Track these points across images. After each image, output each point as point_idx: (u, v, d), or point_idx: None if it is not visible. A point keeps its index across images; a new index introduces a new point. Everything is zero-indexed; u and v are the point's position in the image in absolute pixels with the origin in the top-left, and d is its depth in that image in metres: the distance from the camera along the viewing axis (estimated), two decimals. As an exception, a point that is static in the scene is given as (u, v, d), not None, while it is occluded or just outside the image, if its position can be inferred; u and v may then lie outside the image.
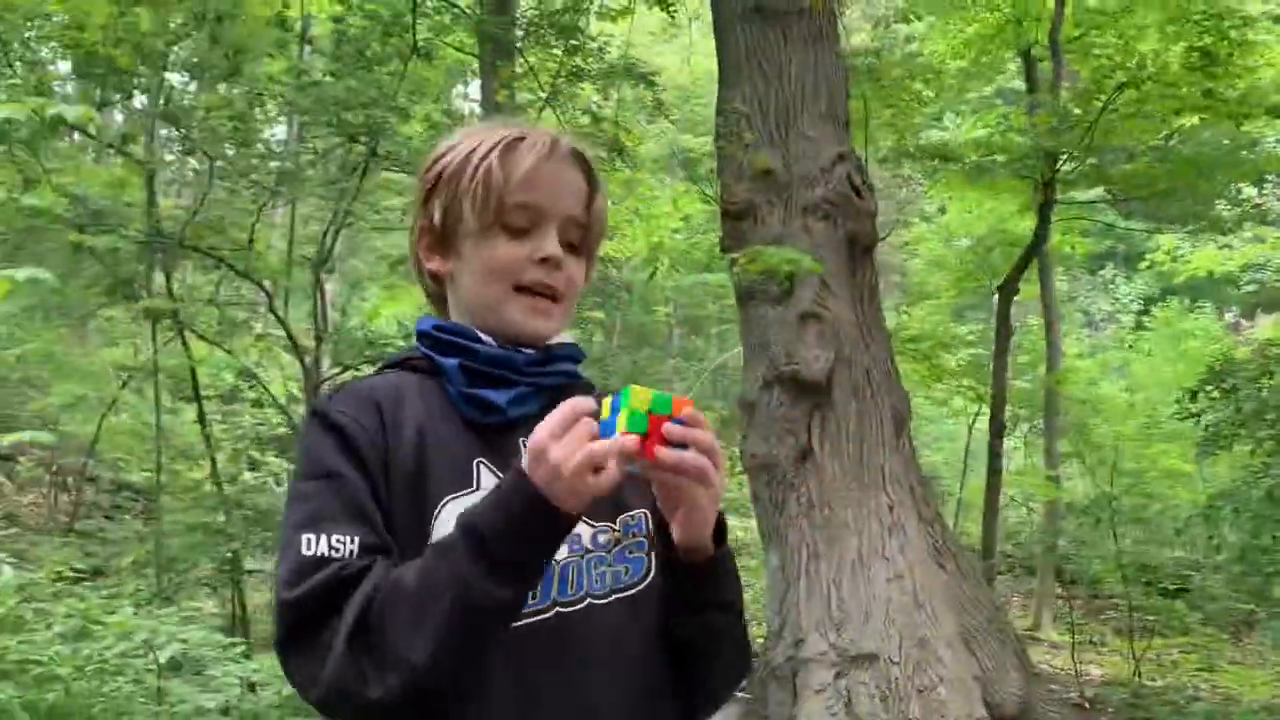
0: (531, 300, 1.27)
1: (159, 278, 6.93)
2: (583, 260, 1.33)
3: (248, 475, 8.15)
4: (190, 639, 3.92)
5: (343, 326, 9.03)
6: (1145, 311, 18.23)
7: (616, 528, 1.26)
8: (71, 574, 6.32)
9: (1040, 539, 10.48)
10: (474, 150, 1.27)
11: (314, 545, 1.11)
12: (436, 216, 1.30)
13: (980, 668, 6.37)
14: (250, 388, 8.41)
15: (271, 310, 7.09)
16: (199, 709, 3.75)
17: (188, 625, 4.10)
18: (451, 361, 1.25)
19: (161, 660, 3.82)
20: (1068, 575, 9.66)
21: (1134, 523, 9.91)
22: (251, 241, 6.71)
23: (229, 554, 6.45)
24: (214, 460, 7.24)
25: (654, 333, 21.13)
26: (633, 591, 1.24)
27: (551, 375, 1.30)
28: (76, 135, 7.99)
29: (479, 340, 1.26)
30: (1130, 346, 16.46)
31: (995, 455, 9.56)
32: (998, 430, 9.56)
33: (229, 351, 7.63)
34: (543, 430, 1.05)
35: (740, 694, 6.76)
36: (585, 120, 7.96)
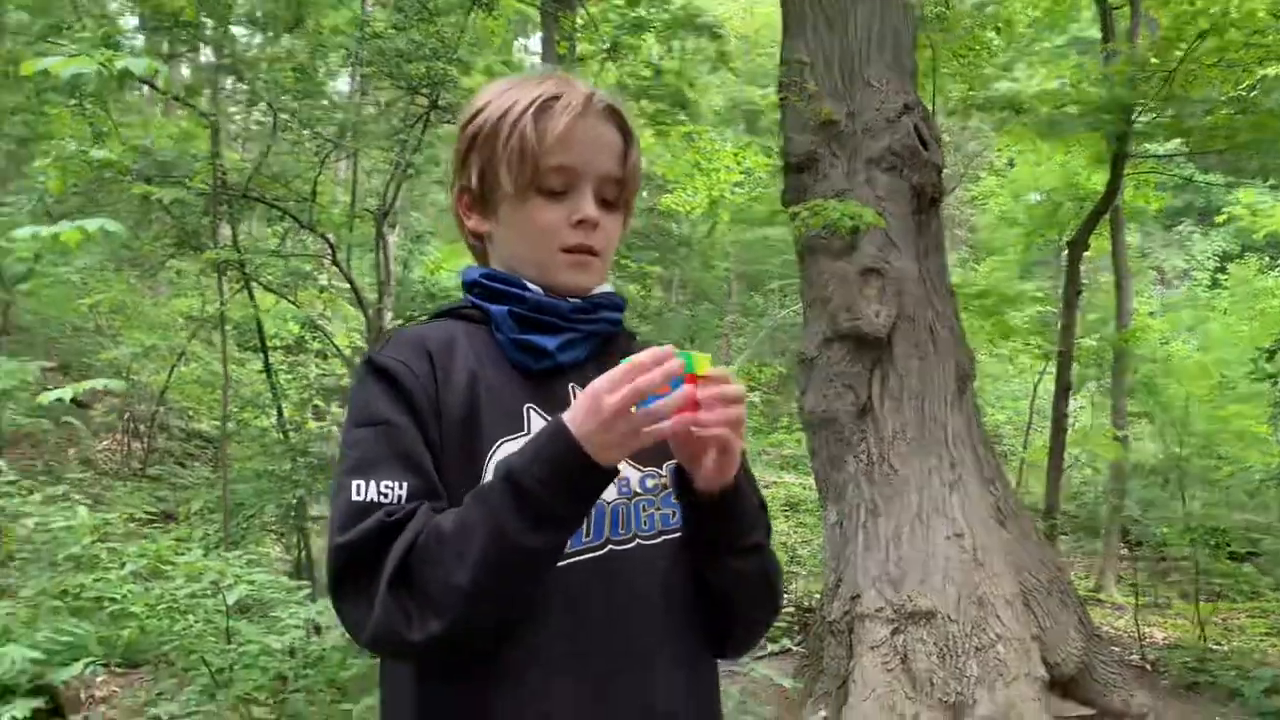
0: (573, 257, 1.29)
1: (225, 230, 7.04)
2: (619, 214, 1.34)
3: (313, 424, 8.31)
4: (257, 581, 4.02)
5: (405, 279, 9.12)
6: (1221, 269, 17.68)
7: (663, 473, 1.28)
8: (144, 516, 6.52)
9: (1106, 499, 10.30)
10: (508, 111, 1.26)
11: (364, 491, 1.13)
12: (474, 178, 1.31)
13: (1040, 627, 6.31)
14: (315, 339, 8.55)
15: (335, 262, 7.18)
16: (265, 649, 3.85)
17: (254, 568, 4.20)
18: (501, 309, 1.27)
19: (230, 601, 3.93)
20: (1133, 537, 9.49)
21: (1204, 485, 9.70)
22: (315, 194, 6.78)
23: (294, 500, 6.60)
24: (280, 409, 7.39)
25: (713, 288, 21.02)
26: (679, 534, 1.27)
27: (597, 322, 1.32)
28: (144, 89, 8.10)
29: (527, 288, 1.28)
30: (1205, 305, 16.00)
31: (1060, 415, 9.39)
32: (1064, 389, 9.39)
33: (294, 303, 7.75)
34: (601, 383, 1.07)
35: (796, 647, 6.78)
36: (647, 73, 7.87)
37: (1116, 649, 7.82)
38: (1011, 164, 14.98)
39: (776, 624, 6.49)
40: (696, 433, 1.12)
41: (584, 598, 1.18)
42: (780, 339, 19.58)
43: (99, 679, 5.02)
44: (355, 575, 1.11)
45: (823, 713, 6.01)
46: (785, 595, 9.35)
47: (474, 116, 1.31)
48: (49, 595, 4.01)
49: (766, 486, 12.53)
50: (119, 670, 5.16)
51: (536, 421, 1.22)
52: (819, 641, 6.47)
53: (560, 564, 1.16)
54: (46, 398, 3.86)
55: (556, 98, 1.26)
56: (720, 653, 1.34)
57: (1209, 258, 18.92)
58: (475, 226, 1.35)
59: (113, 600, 4.00)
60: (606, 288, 1.35)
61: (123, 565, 3.96)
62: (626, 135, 1.32)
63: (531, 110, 1.25)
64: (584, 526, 1.18)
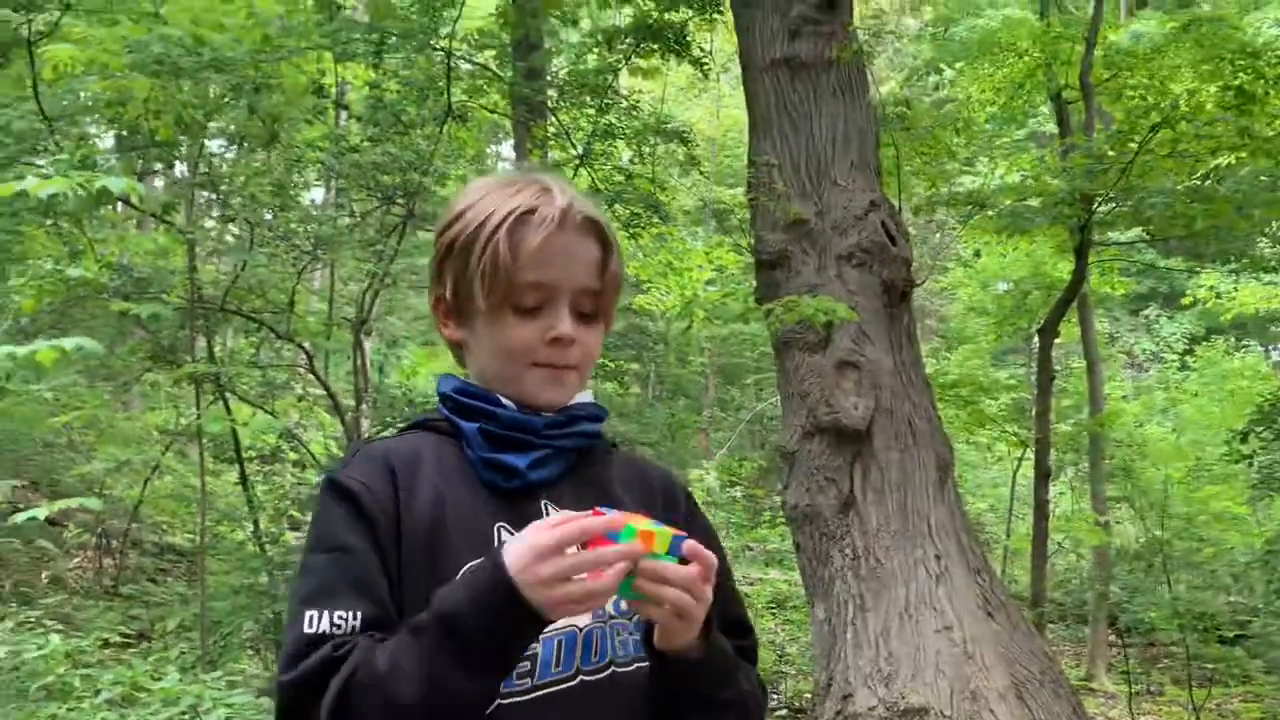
0: (546, 372, 1.26)
1: (201, 342, 7.04)
2: (598, 326, 1.31)
3: (290, 536, 8.18)
4: (235, 704, 3.91)
5: (381, 385, 9.10)
6: (1189, 351, 17.95)
7: None
8: (118, 639, 6.36)
9: (1091, 586, 10.25)
10: (483, 224, 1.23)
11: (316, 622, 1.10)
12: (449, 290, 1.29)
13: (1035, 721, 6.21)
14: (292, 448, 8.47)
15: (312, 371, 7.17)
16: (244, 776, 3.73)
17: (232, 690, 4.09)
18: (472, 426, 1.24)
19: (207, 726, 3.81)
20: (1121, 623, 9.42)
21: (1187, 568, 9.69)
22: (292, 304, 6.81)
23: (271, 615, 6.46)
24: (256, 522, 7.28)
25: (690, 383, 21.11)
26: None
27: (572, 437, 1.28)
28: (119, 205, 8.17)
29: (499, 404, 1.25)
30: (1175, 387, 16.19)
31: (1041, 501, 9.39)
32: (1043, 475, 9.40)
33: (270, 413, 7.70)
34: (543, 540, 1.03)
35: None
36: (619, 178, 8.03)
37: (1113, 740, 7.70)
38: (978, 254, 15.27)
39: (768, 727, 6.37)
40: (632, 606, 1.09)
41: None
42: (759, 432, 19.61)
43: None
44: (299, 713, 1.07)
45: (819, 818, 5.85)
46: (776, 696, 9.13)
47: (451, 223, 1.28)
48: (19, 728, 3.87)
49: (751, 583, 12.39)
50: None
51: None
52: (812, 743, 6.34)
53: (530, 697, 1.12)
54: (20, 518, 3.79)
55: (533, 211, 1.23)
56: None
57: (1176, 340, 19.23)
58: (451, 335, 1.33)
59: (86, 729, 3.88)
60: (585, 396, 1.32)
61: (97, 693, 3.84)
62: (605, 246, 1.29)
63: (506, 225, 1.22)
64: (554, 656, 1.15)
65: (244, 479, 7.36)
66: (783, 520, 7.33)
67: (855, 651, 6.07)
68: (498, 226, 1.22)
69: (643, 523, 1.06)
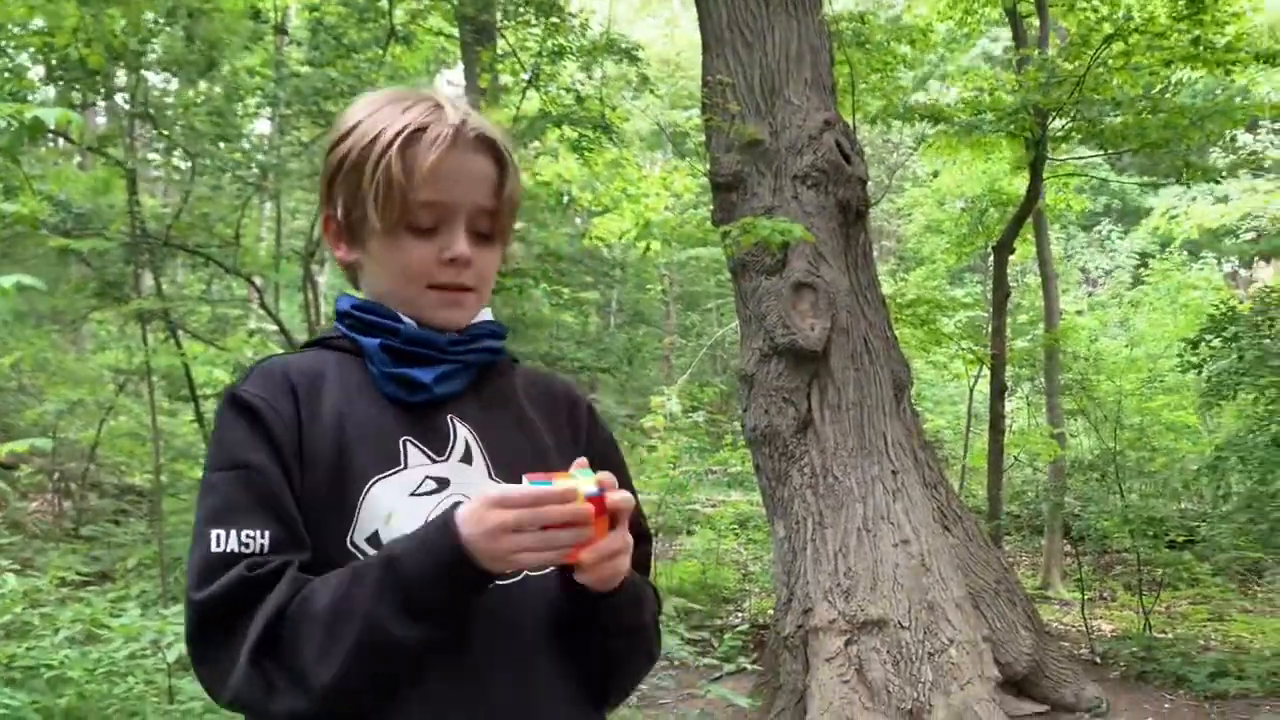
0: (443, 294, 1.23)
1: (148, 279, 6.89)
2: (496, 246, 1.28)
3: (249, 472, 8.13)
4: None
5: (333, 315, 8.99)
6: (1143, 266, 18.18)
7: None
8: (77, 578, 6.32)
9: (1047, 498, 10.48)
10: (373, 141, 1.19)
11: (223, 541, 1.07)
12: (339, 210, 1.25)
13: (990, 628, 6.38)
14: (247, 384, 8.37)
15: (263, 305, 7.06)
16: (210, 705, 3.74)
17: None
18: (373, 341, 1.22)
19: (170, 659, 3.81)
20: (1075, 533, 9.66)
21: (1139, 477, 9.92)
22: (238, 237, 6.67)
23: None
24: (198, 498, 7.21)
25: (650, 310, 21.10)
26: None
27: (475, 353, 1.26)
28: (57, 140, 7.94)
29: (400, 321, 1.23)
30: (1130, 301, 16.42)
31: (998, 416, 9.54)
32: (999, 391, 9.54)
33: (222, 349, 7.60)
34: (494, 498, 1.02)
35: (751, 666, 6.76)
36: (569, 99, 7.88)
37: (1066, 644, 7.94)
38: (935, 174, 15.29)
39: (730, 644, 6.48)
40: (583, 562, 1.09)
41: (471, 633, 1.13)
42: (720, 357, 19.69)
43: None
44: (213, 634, 1.05)
45: (782, 729, 6.00)
46: (740, 614, 9.28)
47: (339, 140, 1.24)
48: (-21, 667, 3.86)
49: (714, 505, 12.54)
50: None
51: (414, 454, 1.18)
52: (774, 658, 6.47)
53: None
54: (-34, 461, 3.73)
55: (424, 129, 1.19)
56: (598, 702, 1.29)
57: (1129, 256, 19.45)
58: (344, 256, 1.29)
59: (48, 667, 3.86)
60: (485, 314, 1.31)
61: (56, 631, 3.82)
62: (501, 164, 1.25)
63: (398, 143, 1.18)
64: None
65: (199, 417, 7.28)
66: (744, 443, 7.39)
67: (815, 567, 6.17)
68: (389, 145, 1.18)
69: (561, 480, 1.05)
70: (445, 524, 1.03)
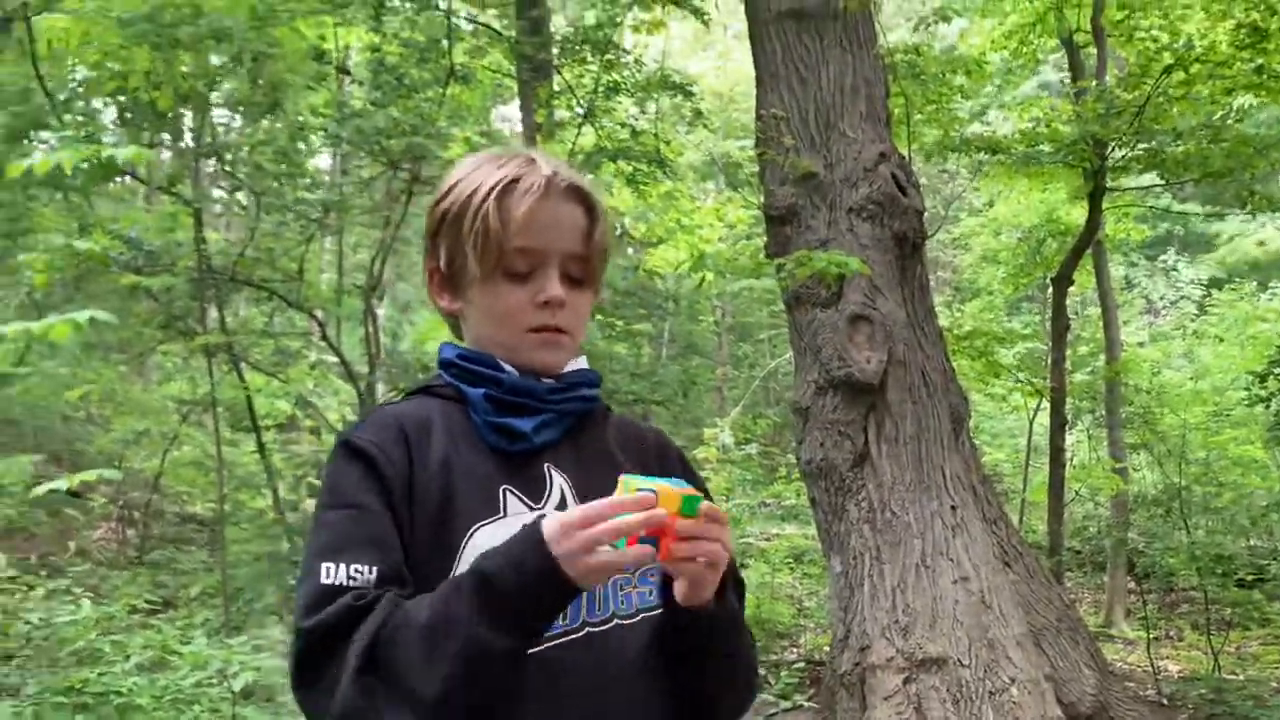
0: (540, 337, 1.30)
1: (213, 312, 7.05)
2: (587, 291, 1.35)
3: (309, 502, 8.25)
4: (262, 667, 3.97)
5: (394, 350, 9.13)
6: (1208, 295, 17.79)
7: None
8: (145, 606, 6.45)
9: (1109, 533, 10.25)
10: (473, 195, 1.28)
11: (333, 574, 1.13)
12: (442, 261, 1.33)
13: (1053, 667, 6.24)
14: (307, 416, 8.53)
15: (324, 338, 7.19)
16: (272, 736, 3.79)
17: (258, 654, 4.14)
18: (477, 392, 1.28)
19: (236, 688, 3.87)
20: (1139, 569, 9.43)
21: (1205, 513, 9.67)
22: (301, 272, 6.81)
23: (292, 581, 6.53)
24: (275, 490, 7.34)
25: (703, 341, 21.09)
26: (658, 611, 1.26)
27: (572, 401, 1.33)
28: (126, 178, 8.17)
29: (502, 369, 1.29)
30: (1194, 332, 16.08)
31: (1058, 450, 9.38)
32: (1059, 424, 9.39)
33: (284, 381, 7.75)
34: (574, 516, 1.07)
35: (808, 703, 6.69)
36: (624, 134, 7.96)
37: (1131, 684, 7.74)
38: (991, 204, 15.14)
39: (787, 680, 6.42)
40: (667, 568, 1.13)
41: (561, 681, 1.17)
42: (773, 389, 19.60)
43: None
44: (319, 660, 1.10)
45: (840, 768, 5.91)
46: (795, 649, 9.19)
47: (442, 198, 1.33)
48: (53, 692, 3.95)
49: (768, 539, 12.44)
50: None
51: (513, 504, 1.23)
52: (831, 695, 6.38)
53: (539, 650, 1.15)
54: (42, 490, 3.83)
55: (518, 180, 1.27)
56: None
57: (1194, 285, 19.07)
58: (447, 306, 1.37)
59: (118, 694, 3.95)
60: (580, 363, 1.37)
61: (127, 658, 3.90)
62: (591, 212, 1.33)
63: (494, 194, 1.26)
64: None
65: (261, 447, 7.41)
66: (798, 476, 7.35)
67: (872, 603, 6.10)
68: (486, 195, 1.27)
69: (663, 486, 1.10)
70: (534, 539, 1.07)
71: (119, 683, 3.82)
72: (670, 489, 1.09)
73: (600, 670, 1.19)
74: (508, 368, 1.29)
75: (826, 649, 7.55)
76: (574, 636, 1.19)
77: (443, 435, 1.25)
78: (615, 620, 1.23)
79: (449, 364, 1.33)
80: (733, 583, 1.31)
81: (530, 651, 1.14)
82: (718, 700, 1.30)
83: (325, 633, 1.10)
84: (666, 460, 1.41)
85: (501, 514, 1.21)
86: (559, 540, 1.06)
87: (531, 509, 1.22)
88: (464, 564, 1.17)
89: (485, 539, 1.17)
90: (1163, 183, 9.75)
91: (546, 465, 1.27)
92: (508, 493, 1.23)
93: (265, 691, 4.56)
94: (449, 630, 1.06)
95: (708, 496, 1.36)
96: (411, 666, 1.05)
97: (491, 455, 1.26)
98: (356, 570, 1.13)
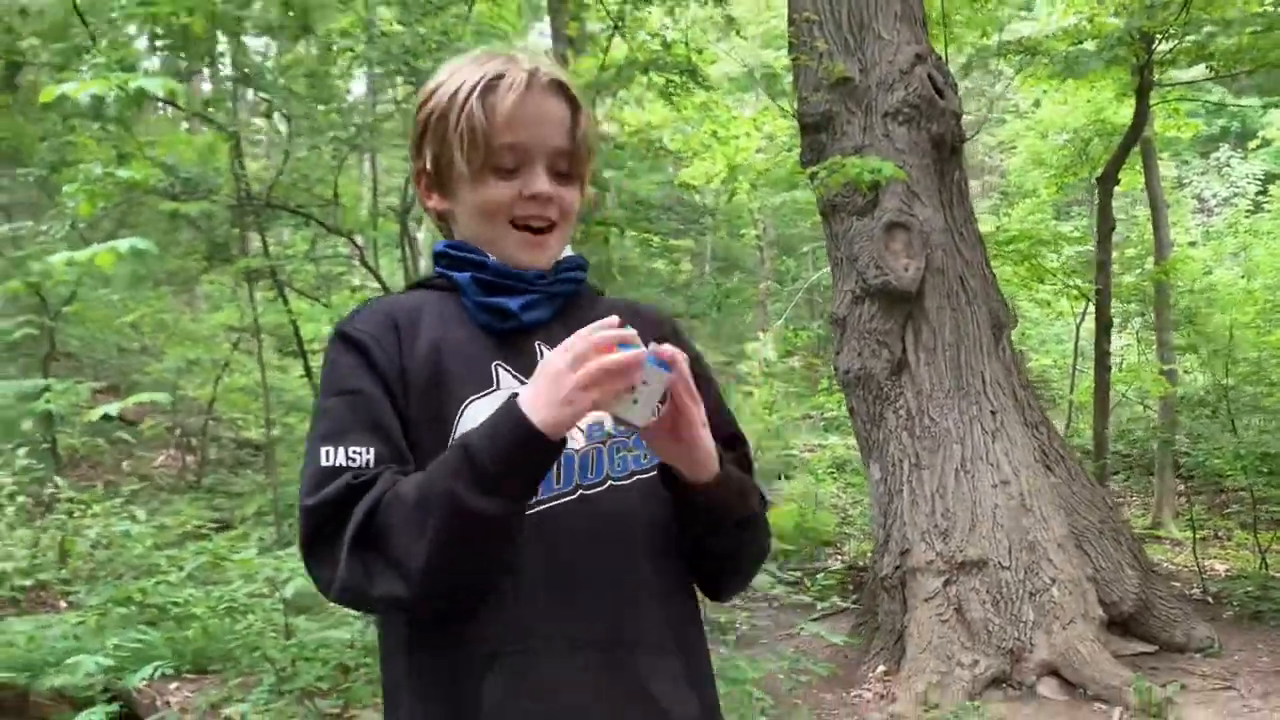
0: (525, 235, 1.33)
1: (254, 240, 7.15)
2: (575, 185, 1.37)
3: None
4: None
5: (430, 271, 9.17)
6: (1263, 192, 17.25)
7: None
8: (202, 526, 6.67)
9: (1156, 435, 10.17)
10: (456, 93, 1.30)
11: (332, 456, 1.18)
12: (429, 161, 1.36)
13: (1094, 568, 6.28)
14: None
15: (363, 262, 7.26)
16: (324, 642, 3.95)
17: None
18: (464, 275, 1.33)
19: (287, 595, 4.02)
20: (1186, 471, 9.37)
21: (1255, 412, 9.55)
22: (337, 196, 6.85)
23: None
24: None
25: (744, 256, 20.94)
26: (653, 473, 1.29)
27: (559, 284, 1.36)
28: (165, 107, 8.22)
29: (488, 257, 1.33)
30: (1247, 230, 15.65)
31: (1103, 353, 9.28)
32: (1105, 327, 9.27)
33: (327, 305, 7.86)
34: (556, 349, 1.12)
35: (848, 605, 6.80)
36: (655, 45, 7.84)
37: (1177, 584, 7.76)
38: (1037, 104, 14.74)
39: (824, 583, 6.52)
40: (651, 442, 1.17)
41: (557, 539, 1.21)
42: (816, 302, 19.47)
43: (171, 685, 5.17)
44: (323, 535, 1.15)
45: (881, 667, 6.04)
46: (840, 558, 9.28)
47: (426, 100, 1.35)
48: (115, 603, 4.14)
49: (811, 450, 12.52)
50: (190, 675, 5.31)
51: (505, 378, 1.27)
52: (872, 598, 6.49)
53: (534, 511, 1.20)
54: (95, 413, 3.97)
55: (501, 76, 1.29)
56: (713, 598, 1.41)
57: (1250, 182, 18.49)
58: (435, 206, 1.40)
59: (176, 604, 4.12)
60: (567, 252, 1.40)
61: (181, 569, 4.07)
62: (573, 107, 1.34)
63: (478, 91, 1.29)
64: (554, 474, 1.22)
65: (308, 371, 7.55)
66: (840, 388, 7.36)
67: (912, 508, 6.15)
68: (470, 93, 1.29)
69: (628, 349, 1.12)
70: (510, 402, 1.13)
71: (175, 593, 3.99)
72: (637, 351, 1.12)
73: (594, 529, 1.23)
74: (493, 257, 1.33)
75: (869, 555, 7.64)
76: (567, 499, 1.23)
77: (434, 320, 1.30)
78: (609, 482, 1.27)
79: (440, 255, 1.37)
80: (734, 442, 1.36)
81: (528, 514, 1.18)
82: (731, 565, 1.36)
83: (326, 509, 1.15)
84: (660, 332, 1.42)
85: (495, 387, 1.25)
86: (528, 390, 1.11)
87: (523, 382, 1.22)
88: (458, 436, 1.20)
89: (477, 411, 1.21)
90: (1212, 75, 9.43)
91: (537, 342, 1.30)
92: (499, 368, 1.27)
93: (317, 603, 4.74)
94: (434, 499, 1.10)
95: (704, 372, 1.41)
96: (400, 537, 1.10)
97: (483, 335, 1.30)
98: (355, 452, 1.17)
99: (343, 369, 1.25)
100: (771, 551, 1.46)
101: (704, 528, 1.28)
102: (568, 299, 1.38)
